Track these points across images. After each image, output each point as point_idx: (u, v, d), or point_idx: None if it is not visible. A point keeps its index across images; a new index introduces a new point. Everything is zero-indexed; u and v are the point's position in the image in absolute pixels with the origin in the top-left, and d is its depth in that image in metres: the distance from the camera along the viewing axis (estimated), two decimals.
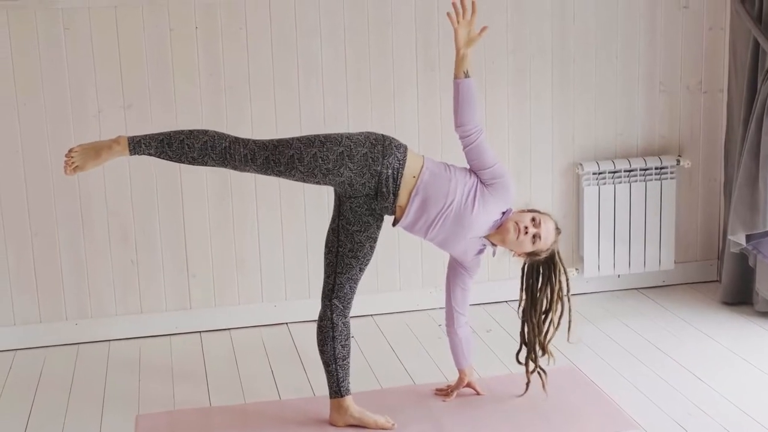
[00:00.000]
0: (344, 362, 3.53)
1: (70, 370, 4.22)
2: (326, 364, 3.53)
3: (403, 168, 3.41)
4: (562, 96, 4.78)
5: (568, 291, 3.61)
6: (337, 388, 3.54)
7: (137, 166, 4.40)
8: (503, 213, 3.48)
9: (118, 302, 4.53)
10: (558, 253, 3.59)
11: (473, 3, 3.39)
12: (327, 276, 3.53)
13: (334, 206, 3.52)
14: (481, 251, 3.58)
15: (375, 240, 3.52)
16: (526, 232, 3.45)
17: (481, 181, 3.45)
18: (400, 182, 3.40)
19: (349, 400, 3.55)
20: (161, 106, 4.40)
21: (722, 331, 4.42)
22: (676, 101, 4.92)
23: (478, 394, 3.80)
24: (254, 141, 3.37)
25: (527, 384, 3.72)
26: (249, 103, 4.48)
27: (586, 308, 4.69)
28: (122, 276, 4.52)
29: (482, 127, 3.45)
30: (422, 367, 4.13)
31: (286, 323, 4.67)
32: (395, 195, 3.41)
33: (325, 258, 3.54)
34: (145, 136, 3.36)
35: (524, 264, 3.64)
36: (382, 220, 3.51)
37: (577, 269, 4.87)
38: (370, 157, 3.37)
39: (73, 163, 3.33)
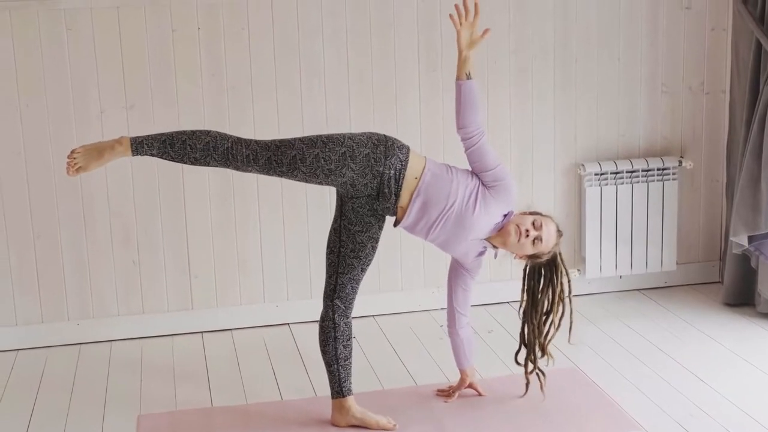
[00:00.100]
0: (346, 362, 3.52)
1: (71, 370, 4.22)
2: (328, 365, 3.53)
3: (405, 169, 3.41)
4: (564, 96, 4.78)
5: (569, 293, 3.61)
6: (339, 389, 3.54)
7: (140, 166, 4.40)
8: (505, 215, 3.48)
9: (120, 302, 4.53)
10: (560, 255, 3.58)
11: (476, 5, 3.38)
12: (329, 276, 3.53)
13: (336, 206, 3.52)
14: (482, 253, 3.58)
15: (377, 240, 3.52)
16: (527, 235, 3.44)
17: (482, 183, 3.45)
18: (402, 183, 3.40)
19: (350, 400, 3.55)
20: (163, 107, 4.40)
21: (724, 333, 4.42)
22: (679, 102, 4.91)
23: (479, 394, 3.79)
24: (257, 141, 3.37)
25: (527, 385, 3.72)
26: (251, 104, 4.48)
27: (587, 309, 4.68)
28: (124, 276, 4.52)
29: (484, 129, 3.44)
30: (424, 367, 4.13)
31: (288, 324, 4.67)
32: (397, 196, 3.41)
33: (327, 258, 3.54)
34: (148, 136, 3.36)
35: (526, 265, 3.64)
36: (383, 220, 3.51)
37: (578, 270, 4.86)
38: (373, 158, 3.37)
39: (75, 164, 3.33)
